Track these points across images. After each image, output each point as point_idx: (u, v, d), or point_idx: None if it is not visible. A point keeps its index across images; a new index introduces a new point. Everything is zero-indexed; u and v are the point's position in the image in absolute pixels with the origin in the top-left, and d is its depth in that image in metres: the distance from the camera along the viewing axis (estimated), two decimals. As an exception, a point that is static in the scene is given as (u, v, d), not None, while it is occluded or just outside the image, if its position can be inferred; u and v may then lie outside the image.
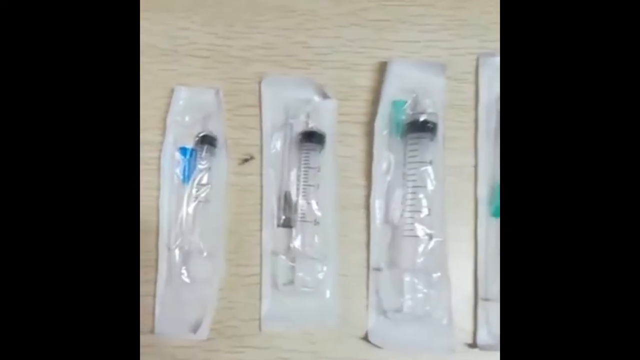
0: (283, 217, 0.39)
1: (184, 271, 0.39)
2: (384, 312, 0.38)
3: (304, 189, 0.39)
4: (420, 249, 0.36)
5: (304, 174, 0.39)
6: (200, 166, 0.39)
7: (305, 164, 0.39)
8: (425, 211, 0.37)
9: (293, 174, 0.39)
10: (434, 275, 0.37)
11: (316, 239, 0.38)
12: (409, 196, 0.37)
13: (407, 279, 0.36)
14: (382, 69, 0.40)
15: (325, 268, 0.38)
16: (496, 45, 0.39)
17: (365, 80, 0.41)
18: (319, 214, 0.38)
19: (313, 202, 0.38)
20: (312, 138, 0.39)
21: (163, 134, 0.40)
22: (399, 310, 0.37)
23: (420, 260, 0.36)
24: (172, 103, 0.41)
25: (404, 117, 0.38)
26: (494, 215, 0.38)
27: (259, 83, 0.41)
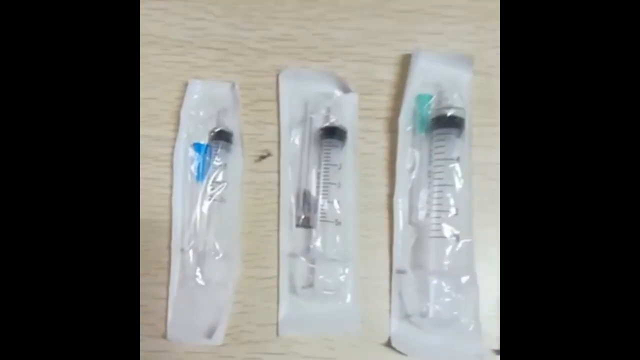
0: (302, 217, 0.38)
1: (198, 273, 0.37)
2: (407, 317, 0.36)
3: (324, 187, 0.37)
4: (448, 250, 0.35)
5: (325, 172, 0.37)
6: (215, 163, 0.38)
7: (326, 161, 0.37)
8: (452, 211, 0.35)
9: (313, 171, 0.38)
10: (462, 278, 0.35)
11: (338, 240, 0.37)
12: (435, 195, 0.36)
13: (434, 282, 0.35)
14: (405, 62, 0.39)
15: (347, 270, 0.37)
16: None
17: (388, 73, 0.40)
18: (340, 213, 0.37)
19: (334, 201, 0.37)
20: (333, 134, 0.37)
21: (176, 130, 0.39)
22: (424, 314, 0.35)
23: (447, 262, 0.35)
24: (185, 97, 0.39)
25: (429, 112, 0.37)
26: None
27: (277, 76, 0.39)
